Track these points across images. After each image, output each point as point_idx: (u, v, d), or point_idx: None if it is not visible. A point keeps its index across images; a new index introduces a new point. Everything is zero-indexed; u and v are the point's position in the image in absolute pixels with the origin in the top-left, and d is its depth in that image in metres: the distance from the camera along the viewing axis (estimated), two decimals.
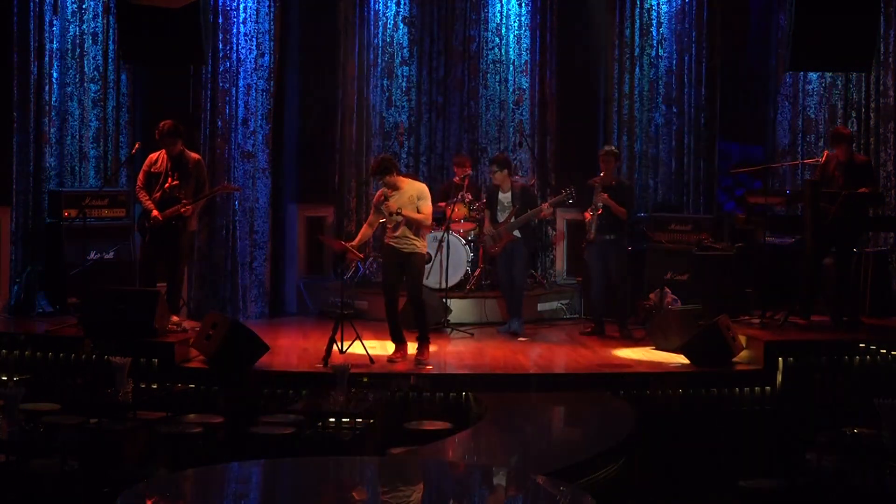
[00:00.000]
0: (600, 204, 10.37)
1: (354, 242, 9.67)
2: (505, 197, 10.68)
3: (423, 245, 9.39)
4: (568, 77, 12.72)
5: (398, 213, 9.17)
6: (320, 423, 7.55)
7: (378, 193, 9.44)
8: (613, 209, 10.39)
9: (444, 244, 11.04)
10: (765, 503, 6.37)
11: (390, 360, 9.27)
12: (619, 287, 10.62)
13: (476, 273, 11.58)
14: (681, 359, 9.32)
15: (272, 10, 11.63)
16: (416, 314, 9.45)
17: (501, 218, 10.66)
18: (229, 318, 9.57)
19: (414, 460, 6.50)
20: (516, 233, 10.56)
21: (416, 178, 12.53)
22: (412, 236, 9.27)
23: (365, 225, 9.61)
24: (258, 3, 11.54)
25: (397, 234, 9.27)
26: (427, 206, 9.28)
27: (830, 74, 11.76)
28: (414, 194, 9.26)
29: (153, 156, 9.92)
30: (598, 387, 8.85)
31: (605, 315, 10.72)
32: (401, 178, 9.41)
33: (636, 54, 12.38)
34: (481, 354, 9.85)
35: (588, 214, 10.55)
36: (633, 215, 10.86)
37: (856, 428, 6.94)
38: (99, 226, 10.68)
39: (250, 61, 11.52)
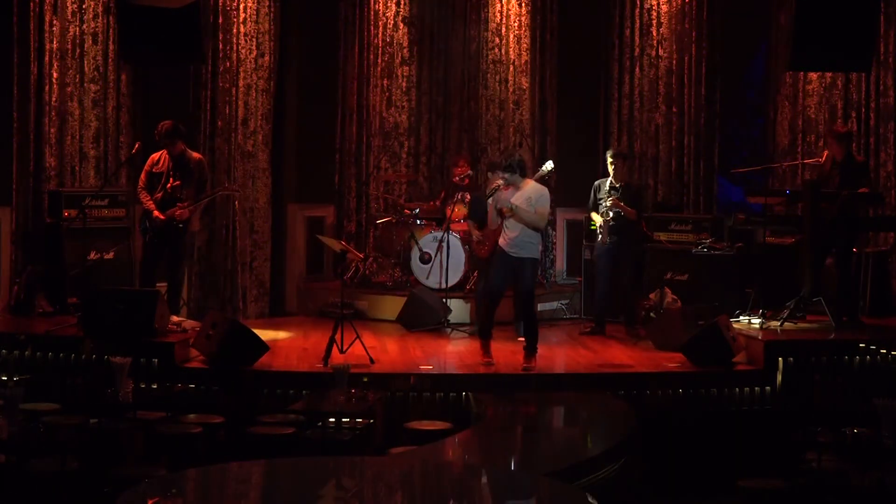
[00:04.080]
0: (611, 210, 10.36)
1: None
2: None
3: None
4: (568, 77, 12.73)
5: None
6: (320, 423, 7.55)
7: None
8: (624, 211, 10.39)
9: (444, 244, 11.05)
10: (765, 503, 6.37)
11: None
12: (629, 287, 10.63)
13: (476, 273, 11.57)
14: (681, 359, 9.32)
15: (272, 10, 11.63)
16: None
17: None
18: (229, 318, 9.58)
19: (414, 460, 6.50)
20: None
21: (415, 178, 12.61)
22: None
23: None
24: (258, 3, 11.55)
25: None
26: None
27: (830, 74, 11.77)
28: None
29: (155, 156, 9.93)
30: (598, 387, 8.85)
31: (608, 315, 10.73)
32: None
33: (636, 54, 12.38)
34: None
35: (596, 216, 10.54)
36: (642, 215, 10.83)
37: (856, 428, 6.94)
38: (99, 226, 10.67)
39: (250, 61, 11.52)
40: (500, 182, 9.26)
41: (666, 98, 12.35)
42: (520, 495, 5.36)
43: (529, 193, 9.15)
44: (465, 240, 11.40)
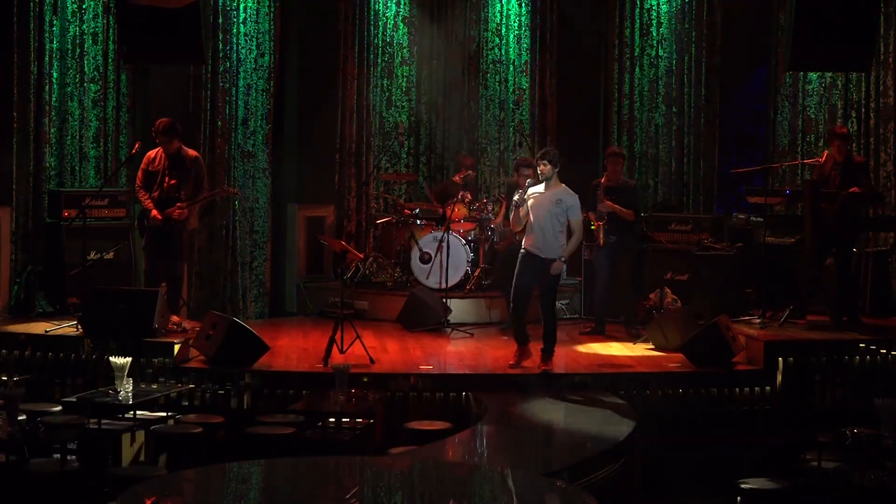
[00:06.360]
0: (605, 213, 10.34)
1: None
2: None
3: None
4: (568, 77, 12.72)
5: None
6: (320, 423, 7.55)
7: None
8: (619, 213, 10.37)
9: (444, 244, 11.04)
10: (765, 503, 6.38)
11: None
12: (627, 287, 10.62)
13: (476, 273, 11.57)
14: (681, 359, 9.32)
15: (272, 10, 11.63)
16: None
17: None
18: (229, 318, 9.57)
19: (414, 460, 6.50)
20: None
21: (415, 178, 12.61)
22: None
23: None
24: (258, 3, 11.55)
25: None
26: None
27: (830, 74, 11.77)
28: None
29: (151, 153, 9.91)
30: (598, 387, 8.85)
31: (608, 315, 10.72)
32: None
33: (636, 54, 12.38)
34: (481, 354, 9.85)
35: (592, 216, 10.53)
36: (639, 216, 10.83)
37: (856, 428, 6.94)
38: (99, 226, 10.66)
39: (250, 61, 11.52)
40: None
41: (666, 98, 12.34)
42: (520, 495, 5.36)
43: (560, 196, 9.13)
44: (466, 239, 11.38)
